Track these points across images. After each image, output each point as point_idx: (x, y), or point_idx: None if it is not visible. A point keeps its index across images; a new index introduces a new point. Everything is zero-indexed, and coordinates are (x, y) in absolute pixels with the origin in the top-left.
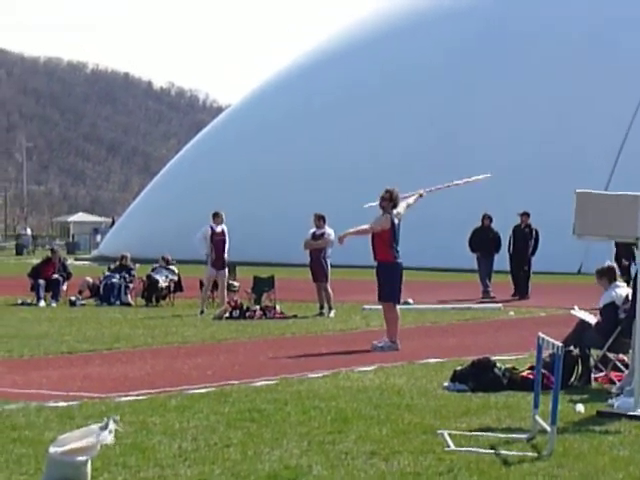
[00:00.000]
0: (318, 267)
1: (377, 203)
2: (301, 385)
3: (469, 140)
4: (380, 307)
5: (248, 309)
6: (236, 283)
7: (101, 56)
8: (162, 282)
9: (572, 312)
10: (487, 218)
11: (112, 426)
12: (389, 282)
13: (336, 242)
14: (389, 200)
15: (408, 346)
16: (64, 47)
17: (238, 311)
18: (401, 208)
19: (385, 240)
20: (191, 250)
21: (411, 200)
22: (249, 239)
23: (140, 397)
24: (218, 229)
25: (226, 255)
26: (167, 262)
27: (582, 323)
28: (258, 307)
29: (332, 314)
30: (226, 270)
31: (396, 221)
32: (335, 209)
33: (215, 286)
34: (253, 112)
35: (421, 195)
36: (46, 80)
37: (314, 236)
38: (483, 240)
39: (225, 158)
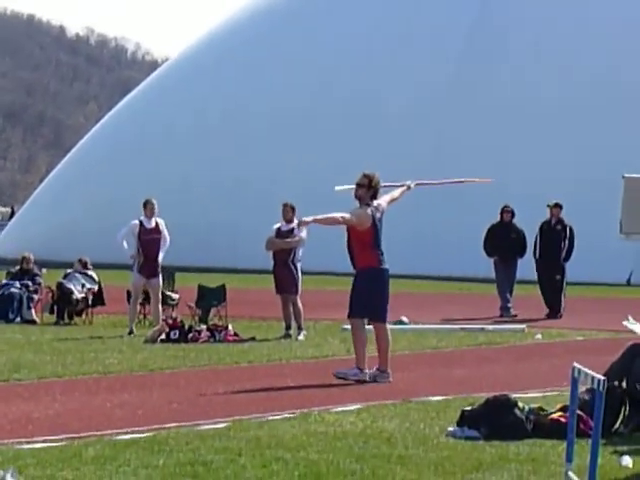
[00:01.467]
0: (285, 274)
1: (351, 187)
2: (260, 430)
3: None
4: (370, 327)
5: (191, 329)
6: (175, 295)
7: None
8: (77, 293)
9: (625, 324)
10: (508, 212)
11: None
12: (374, 293)
13: (300, 234)
14: (367, 187)
15: (402, 379)
16: None
17: (177, 331)
18: (383, 201)
19: (366, 241)
20: (116, 251)
21: (397, 193)
22: (192, 237)
23: (48, 444)
24: (150, 224)
25: (160, 258)
26: (84, 266)
27: (633, 348)
28: (204, 326)
29: (302, 336)
30: (159, 278)
31: (378, 215)
32: (308, 195)
33: (147, 299)
34: (198, 67)
35: (409, 187)
36: None
37: (280, 233)
38: (502, 240)
39: (162, 128)
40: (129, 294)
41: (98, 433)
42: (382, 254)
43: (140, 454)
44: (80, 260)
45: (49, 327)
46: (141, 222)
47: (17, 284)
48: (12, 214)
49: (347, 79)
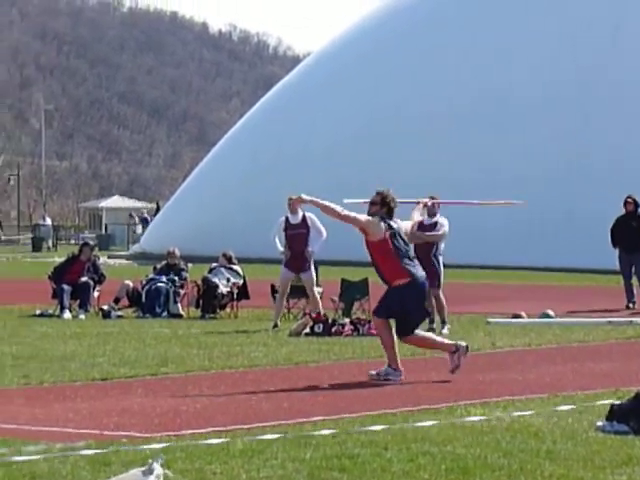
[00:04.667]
0: (427, 267)
1: (360, 202)
2: (406, 424)
3: None
4: (508, 320)
5: (334, 323)
6: (318, 289)
7: None
8: (222, 287)
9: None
10: (630, 202)
11: (158, 470)
12: (406, 308)
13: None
14: (380, 205)
15: (548, 372)
16: None
17: (321, 325)
18: (405, 225)
19: (387, 250)
20: (262, 246)
21: (416, 216)
22: (335, 232)
23: (196, 438)
24: (295, 219)
25: (311, 251)
26: (229, 261)
27: None
28: (348, 320)
29: (446, 330)
30: (311, 272)
31: (396, 227)
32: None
33: (291, 293)
34: (340, 62)
35: (425, 205)
36: (70, 23)
37: (422, 226)
38: (625, 231)
39: (306, 122)
40: (273, 288)
41: (245, 426)
42: (412, 261)
43: (287, 447)
44: (225, 254)
45: (195, 321)
46: (287, 218)
47: (163, 279)
48: (157, 210)
49: (479, 76)
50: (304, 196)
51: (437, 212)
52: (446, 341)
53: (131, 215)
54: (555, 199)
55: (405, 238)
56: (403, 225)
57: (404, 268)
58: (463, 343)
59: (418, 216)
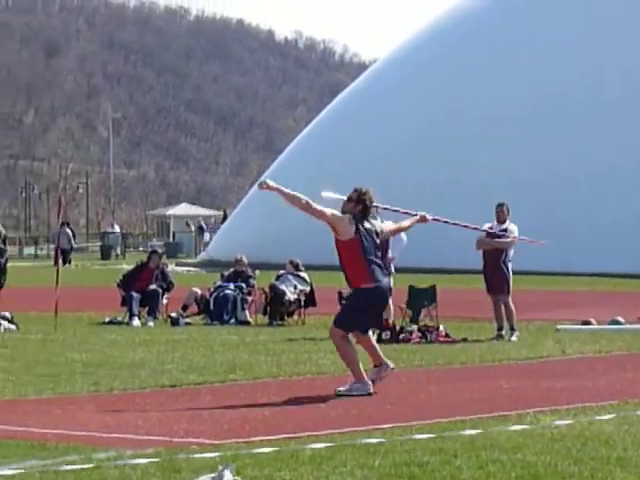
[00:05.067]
0: (496, 274)
1: (338, 198)
2: (474, 431)
3: None
4: (578, 327)
5: (402, 330)
6: None
7: None
8: (290, 294)
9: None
10: None
11: (229, 477)
12: (368, 312)
13: (512, 234)
14: (355, 202)
15: (618, 379)
16: None
17: (389, 332)
18: (386, 227)
19: (354, 253)
20: (327, 252)
21: (406, 223)
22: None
23: (265, 444)
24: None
25: (390, 257)
26: (296, 268)
27: None
28: (415, 327)
29: (514, 337)
30: (389, 278)
31: (367, 228)
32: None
33: None
34: (405, 68)
35: (424, 219)
36: (137, 31)
37: (490, 233)
38: None
39: (372, 128)
40: (340, 295)
41: (313, 433)
42: (378, 267)
43: (356, 454)
44: (292, 262)
45: (263, 328)
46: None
47: (231, 286)
48: (224, 217)
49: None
50: (270, 182)
51: (507, 218)
52: (379, 353)
53: (187, 224)
54: (621, 202)
55: (377, 241)
56: (380, 226)
57: (369, 273)
58: (391, 364)
59: (408, 223)
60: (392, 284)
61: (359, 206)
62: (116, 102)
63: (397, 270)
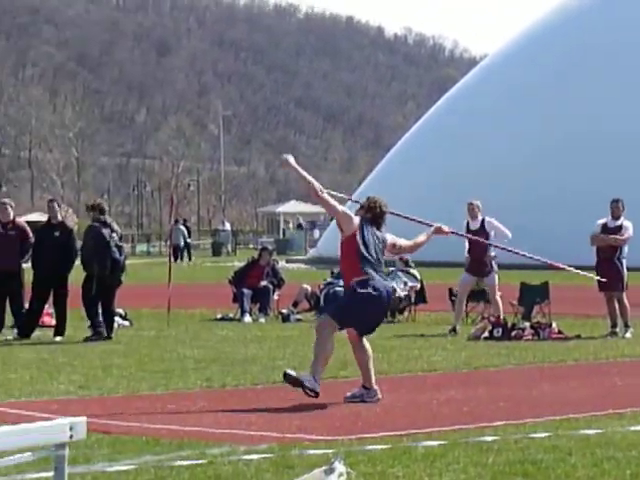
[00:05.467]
0: (610, 270)
1: (342, 197)
2: (589, 429)
3: None
4: None
5: (514, 327)
6: (498, 293)
7: None
8: (400, 291)
9: None
10: None
11: (341, 468)
12: (366, 312)
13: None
14: (365, 210)
15: None
16: None
17: (501, 329)
18: (399, 242)
19: (352, 249)
20: (439, 249)
21: (422, 237)
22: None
23: (377, 441)
24: (474, 225)
25: (493, 255)
26: (406, 264)
27: None
28: (528, 324)
29: (629, 334)
30: (493, 276)
31: (370, 231)
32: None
33: (471, 297)
34: (517, 63)
35: (441, 231)
36: (247, 29)
37: (606, 229)
38: None
39: (485, 126)
40: (451, 292)
41: (424, 430)
42: (374, 270)
43: (469, 452)
44: (401, 258)
45: None
46: (467, 223)
47: (341, 282)
48: None
49: None
50: (290, 159)
51: (621, 214)
52: (372, 374)
53: (286, 221)
54: None
55: (379, 246)
56: (387, 237)
57: (361, 268)
58: (379, 394)
59: (424, 238)
60: (497, 281)
61: (368, 214)
62: (226, 100)
63: (505, 267)
